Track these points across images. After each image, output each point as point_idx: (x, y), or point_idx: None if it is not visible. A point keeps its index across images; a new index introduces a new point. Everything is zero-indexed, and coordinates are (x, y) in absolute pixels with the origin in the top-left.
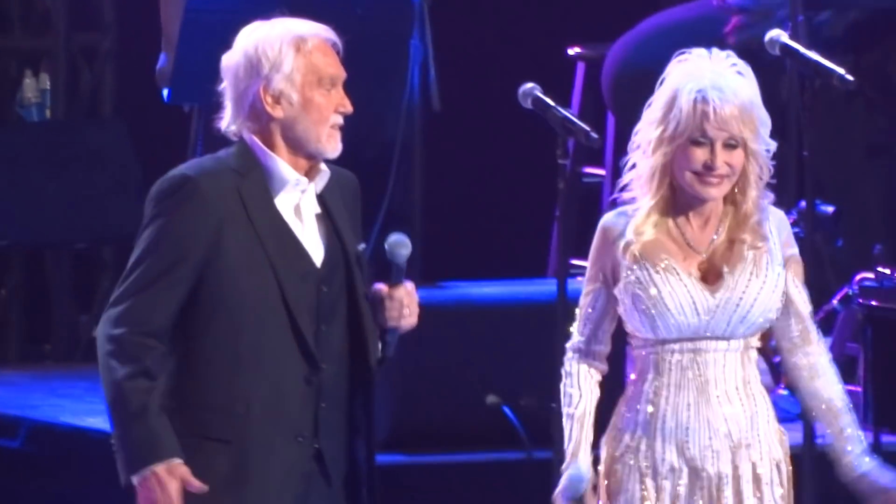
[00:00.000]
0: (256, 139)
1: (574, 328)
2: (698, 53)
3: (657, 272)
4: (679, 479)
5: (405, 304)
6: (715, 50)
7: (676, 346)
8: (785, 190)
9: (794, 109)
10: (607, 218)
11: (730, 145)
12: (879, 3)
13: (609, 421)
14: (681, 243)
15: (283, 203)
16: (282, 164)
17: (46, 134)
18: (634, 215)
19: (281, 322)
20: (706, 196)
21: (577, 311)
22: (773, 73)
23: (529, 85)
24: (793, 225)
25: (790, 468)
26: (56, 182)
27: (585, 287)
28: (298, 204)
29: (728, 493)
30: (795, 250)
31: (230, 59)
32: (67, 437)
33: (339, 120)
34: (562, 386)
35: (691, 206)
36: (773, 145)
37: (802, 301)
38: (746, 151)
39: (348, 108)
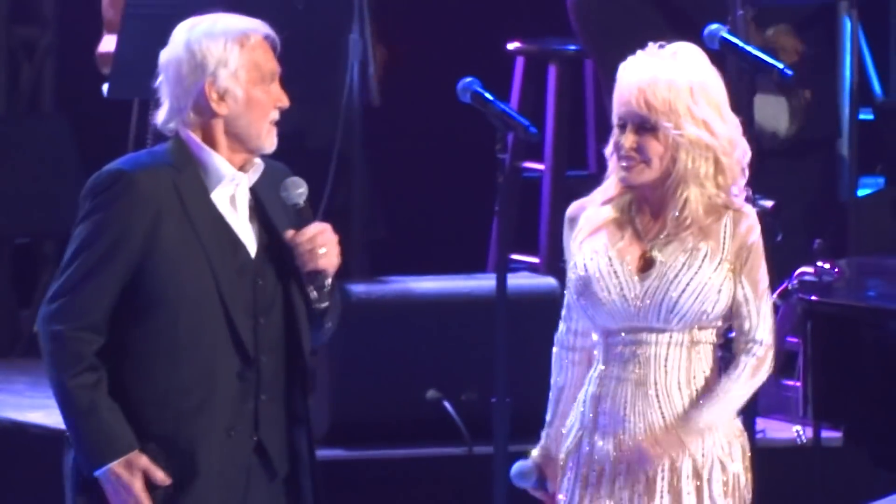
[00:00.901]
0: (193, 135)
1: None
2: (657, 49)
3: (591, 258)
4: (617, 473)
5: (316, 243)
6: (679, 44)
7: (620, 338)
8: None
9: (735, 102)
10: (571, 206)
11: (643, 128)
12: None
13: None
14: (627, 231)
15: (219, 197)
16: (218, 159)
17: None
18: (592, 200)
19: (216, 316)
20: (623, 180)
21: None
22: None
23: (468, 79)
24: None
25: (746, 466)
26: None
27: (568, 276)
28: (233, 197)
29: (664, 486)
30: (753, 242)
31: (170, 55)
32: (8, 433)
33: (277, 115)
34: (552, 378)
35: (643, 195)
36: (710, 139)
37: (744, 305)
38: (667, 141)
39: (285, 102)
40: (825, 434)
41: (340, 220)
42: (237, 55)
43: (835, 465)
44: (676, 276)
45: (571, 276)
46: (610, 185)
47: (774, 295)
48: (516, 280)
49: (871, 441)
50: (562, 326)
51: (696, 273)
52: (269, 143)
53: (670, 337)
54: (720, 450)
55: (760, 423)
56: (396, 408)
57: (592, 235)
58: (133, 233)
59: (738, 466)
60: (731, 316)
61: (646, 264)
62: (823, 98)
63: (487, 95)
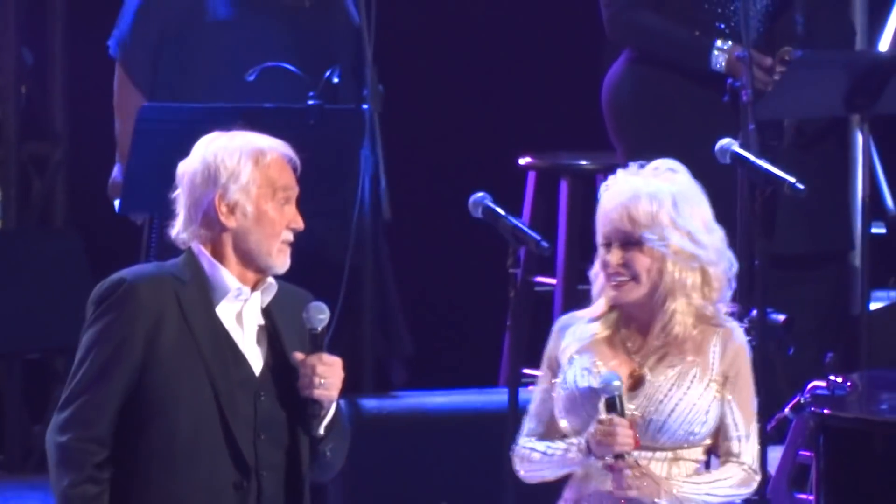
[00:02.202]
0: (205, 249)
1: (523, 426)
2: (638, 169)
3: (581, 375)
4: None
5: (319, 373)
6: (659, 162)
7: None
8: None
9: (744, 218)
10: (562, 319)
11: (628, 244)
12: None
13: None
14: (618, 348)
15: (224, 311)
16: (225, 274)
17: None
18: (583, 316)
19: (215, 428)
20: (612, 299)
21: (526, 415)
22: None
23: (480, 194)
24: (744, 333)
25: None
26: (8, 291)
27: (536, 387)
28: (240, 313)
29: None
30: (740, 387)
31: (187, 167)
32: None
33: (290, 236)
34: (524, 471)
35: (631, 313)
36: (696, 250)
37: (733, 427)
38: (652, 254)
39: (300, 224)
40: None
41: (352, 334)
42: (250, 170)
43: None
44: (665, 396)
45: (560, 391)
46: (598, 305)
47: (787, 408)
48: (527, 394)
49: None
50: (524, 441)
51: (684, 394)
52: (281, 262)
53: (653, 453)
54: None
55: None
56: None
57: (582, 353)
58: (134, 341)
59: None
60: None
61: (635, 383)
62: (836, 211)
63: (499, 210)
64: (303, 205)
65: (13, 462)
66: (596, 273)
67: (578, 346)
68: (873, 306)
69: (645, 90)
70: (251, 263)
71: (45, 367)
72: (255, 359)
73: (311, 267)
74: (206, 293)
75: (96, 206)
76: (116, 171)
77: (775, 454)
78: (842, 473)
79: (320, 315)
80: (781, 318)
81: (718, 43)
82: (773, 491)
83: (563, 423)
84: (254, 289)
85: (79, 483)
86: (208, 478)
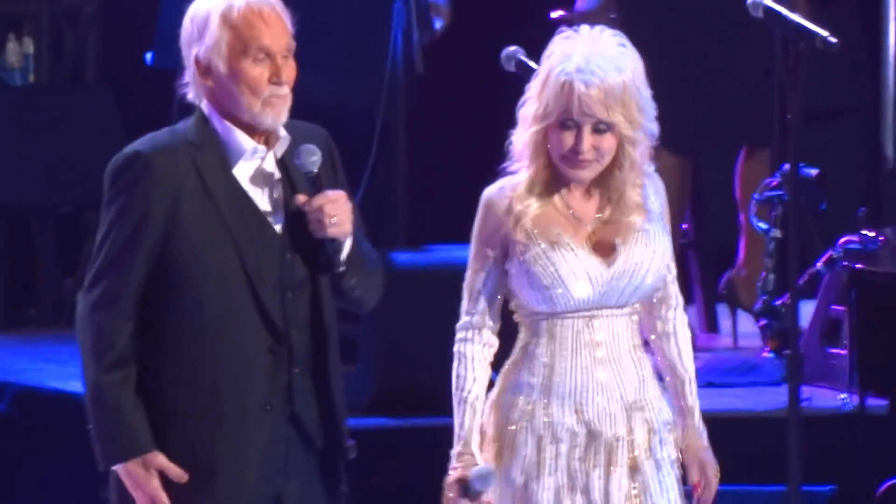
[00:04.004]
0: (213, 108)
1: (463, 308)
2: (582, 31)
3: (553, 248)
4: (576, 441)
5: (326, 212)
6: (599, 28)
7: (571, 314)
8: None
9: (778, 72)
10: (489, 192)
11: (599, 129)
12: None
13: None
14: (567, 216)
15: (242, 172)
16: (238, 134)
17: (30, 98)
18: (516, 189)
19: (243, 292)
20: (575, 178)
21: (464, 289)
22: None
23: (512, 48)
24: (776, 188)
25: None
26: (40, 146)
27: (473, 265)
28: (258, 171)
29: (623, 454)
30: (667, 206)
31: (183, 23)
32: (52, 402)
33: (279, 90)
34: (453, 367)
35: (571, 180)
36: (654, 130)
37: (670, 265)
38: (619, 136)
39: (282, 78)
40: (871, 402)
41: (384, 188)
42: (217, 27)
43: (880, 433)
44: (641, 259)
45: (536, 266)
46: (531, 174)
47: (820, 263)
48: None
49: None
50: (471, 318)
51: (654, 251)
52: (271, 116)
53: (621, 310)
54: (663, 413)
55: (806, 391)
56: (441, 376)
57: (539, 225)
58: (154, 215)
59: (671, 426)
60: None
61: (606, 249)
62: (855, 67)
63: (531, 63)
64: (334, 59)
65: (46, 316)
66: (528, 143)
67: (531, 221)
68: None
69: None
70: (242, 123)
71: (77, 221)
72: (276, 217)
73: (343, 121)
74: (223, 156)
75: (129, 61)
76: None
77: (807, 309)
78: (874, 328)
79: (312, 157)
80: (814, 172)
81: None
82: (806, 345)
83: (522, 300)
84: (267, 144)
85: (110, 367)
86: (240, 343)
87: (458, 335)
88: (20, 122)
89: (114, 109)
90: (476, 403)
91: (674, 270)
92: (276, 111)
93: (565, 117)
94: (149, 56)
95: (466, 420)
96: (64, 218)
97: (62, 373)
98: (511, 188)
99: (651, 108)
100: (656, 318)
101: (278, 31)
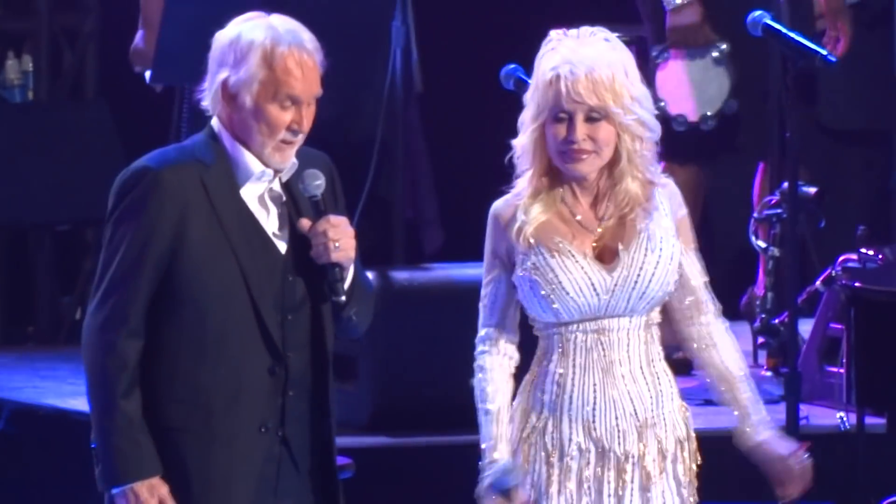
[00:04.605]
0: (224, 128)
1: (479, 321)
2: (569, 34)
3: (553, 256)
4: (586, 459)
5: (328, 236)
6: (585, 28)
7: (579, 327)
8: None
9: (777, 90)
10: (496, 205)
11: (592, 118)
12: None
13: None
14: (572, 223)
15: (249, 193)
16: (247, 156)
17: (29, 115)
18: (521, 198)
19: (245, 313)
20: (574, 172)
21: (480, 303)
22: None
23: (512, 66)
24: (775, 206)
25: (695, 445)
26: (38, 163)
27: (485, 278)
28: (264, 194)
29: (634, 472)
30: (684, 212)
31: (218, 39)
32: (50, 419)
33: (292, 137)
34: (475, 381)
35: (576, 184)
36: (649, 118)
37: (694, 271)
38: (615, 126)
39: (303, 128)
40: (869, 420)
41: (383, 207)
42: (256, 64)
43: (878, 452)
44: (644, 262)
45: (534, 275)
46: (534, 180)
47: (818, 282)
48: None
49: None
50: (489, 331)
51: (659, 257)
52: (277, 160)
53: (630, 321)
54: (679, 430)
55: (804, 409)
56: (439, 395)
57: (540, 232)
58: (162, 232)
59: (692, 443)
60: (678, 290)
61: (608, 255)
62: (873, 86)
63: (531, 81)
64: (334, 78)
65: (44, 333)
66: (526, 146)
67: (535, 227)
68: None
69: None
70: (251, 148)
71: (75, 238)
72: (280, 239)
73: (342, 139)
74: (231, 176)
75: (127, 78)
76: (139, 38)
77: (806, 327)
78: (872, 346)
79: (316, 181)
80: (813, 190)
81: None
82: (804, 363)
83: (529, 310)
84: (275, 170)
85: (128, 390)
86: (239, 363)
87: (477, 349)
88: (19, 139)
89: (112, 126)
90: (500, 414)
91: (705, 277)
92: (285, 156)
93: (557, 110)
94: (148, 74)
95: (493, 430)
96: (62, 235)
97: (60, 390)
98: (516, 198)
99: (648, 101)
100: (692, 325)
101: (311, 81)
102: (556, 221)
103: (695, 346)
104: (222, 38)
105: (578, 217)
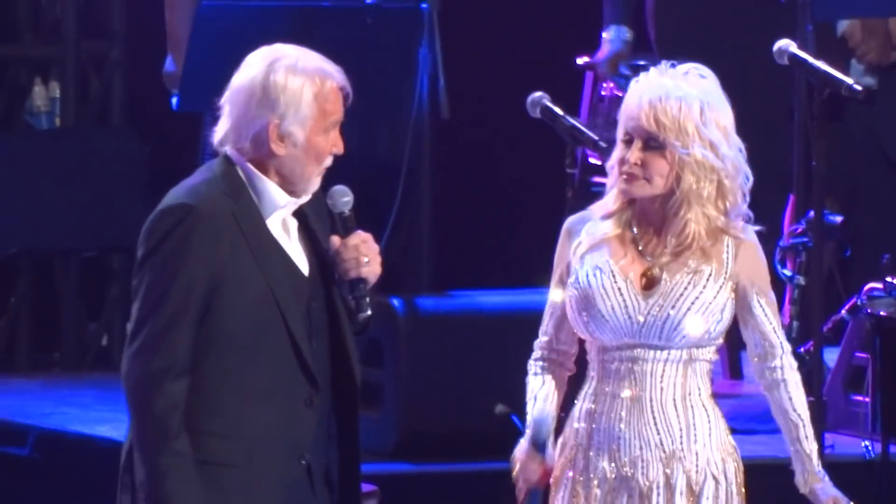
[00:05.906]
0: (245, 159)
1: (540, 329)
2: (666, 66)
3: (595, 275)
4: (610, 486)
5: (360, 251)
6: (687, 65)
7: (616, 354)
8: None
9: (802, 119)
10: (570, 218)
11: (650, 146)
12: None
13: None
14: (630, 247)
15: (273, 223)
16: (272, 186)
17: (56, 142)
18: (593, 213)
19: (283, 345)
20: (624, 192)
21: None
22: None
23: (538, 94)
24: (801, 235)
25: (739, 482)
26: (65, 190)
27: (551, 288)
28: (284, 221)
29: (659, 502)
30: (758, 266)
31: (244, 81)
32: (76, 445)
33: (330, 161)
34: (527, 381)
35: (644, 212)
36: (719, 164)
37: (765, 320)
38: (672, 159)
39: (340, 149)
40: (894, 449)
41: (409, 234)
42: (310, 102)
43: None
44: (682, 294)
45: (573, 291)
46: (610, 199)
47: (844, 311)
48: None
49: None
50: (543, 338)
51: (700, 292)
52: (315, 186)
53: (668, 354)
54: (714, 466)
55: (829, 437)
56: (464, 422)
57: (593, 250)
58: (206, 270)
59: (732, 484)
60: (751, 334)
61: (649, 282)
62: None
63: (557, 110)
64: (360, 104)
65: (70, 360)
66: (612, 166)
67: (590, 244)
68: None
69: None
70: (287, 185)
71: (101, 265)
72: (303, 265)
73: (368, 166)
74: (257, 209)
75: (153, 104)
76: (168, 62)
77: (831, 356)
78: None
79: (344, 198)
80: (838, 219)
81: None
82: (829, 392)
83: (572, 326)
84: (293, 195)
85: (178, 433)
86: (282, 395)
87: (534, 354)
88: (46, 165)
89: (139, 153)
90: (546, 403)
91: (777, 321)
92: (319, 180)
93: (623, 131)
94: (175, 100)
95: (534, 402)
96: (89, 262)
97: (86, 417)
98: (588, 213)
99: (725, 147)
100: (764, 368)
101: (342, 104)
102: (616, 243)
103: (765, 385)
104: (254, 81)
105: (641, 244)
